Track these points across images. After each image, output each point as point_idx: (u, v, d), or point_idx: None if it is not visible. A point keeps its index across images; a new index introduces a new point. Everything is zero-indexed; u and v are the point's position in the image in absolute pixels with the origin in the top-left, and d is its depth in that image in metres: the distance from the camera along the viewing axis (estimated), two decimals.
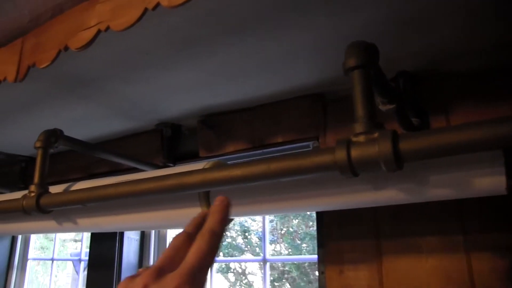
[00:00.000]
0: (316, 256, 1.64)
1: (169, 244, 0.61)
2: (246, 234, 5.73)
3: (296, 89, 1.66)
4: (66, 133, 1.58)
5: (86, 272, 2.41)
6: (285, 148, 1.77)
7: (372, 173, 1.01)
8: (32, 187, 1.47)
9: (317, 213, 1.67)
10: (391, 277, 1.43)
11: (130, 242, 2.30)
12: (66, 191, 1.56)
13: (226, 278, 5.78)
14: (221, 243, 0.62)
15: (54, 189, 1.52)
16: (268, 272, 2.10)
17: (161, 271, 0.55)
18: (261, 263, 2.12)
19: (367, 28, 1.20)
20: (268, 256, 2.11)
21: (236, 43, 1.31)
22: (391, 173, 0.89)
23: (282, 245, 5.55)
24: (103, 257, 2.29)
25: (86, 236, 3.01)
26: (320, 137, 1.65)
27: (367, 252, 1.49)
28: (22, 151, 2.62)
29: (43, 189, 1.47)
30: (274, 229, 5.54)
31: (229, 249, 5.72)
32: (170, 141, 2.02)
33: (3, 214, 1.61)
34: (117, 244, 2.25)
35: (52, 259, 3.14)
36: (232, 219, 1.34)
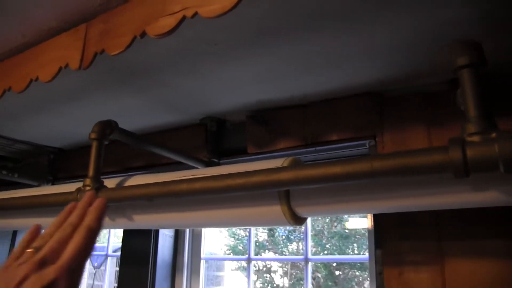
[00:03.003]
0: (363, 257, 1.59)
1: (54, 235, 0.65)
2: (272, 232, 5.68)
3: (354, 86, 1.60)
4: None
5: (117, 268, 2.35)
6: (340, 146, 1.71)
7: (484, 174, 0.96)
8: (87, 181, 1.40)
9: None
10: (454, 280, 1.37)
11: (165, 239, 2.24)
12: (120, 185, 1.50)
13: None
14: (97, 239, 0.68)
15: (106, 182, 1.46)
16: (310, 270, 2.04)
17: (43, 263, 0.60)
18: (303, 262, 2.07)
19: (444, 27, 1.15)
20: (309, 256, 2.05)
21: (302, 38, 1.26)
22: (494, 174, 0.85)
23: (301, 243, 5.50)
24: (137, 253, 2.23)
25: (113, 231, 2.93)
26: (378, 136, 1.60)
27: (428, 253, 1.43)
28: (51, 142, 2.54)
29: (98, 183, 1.40)
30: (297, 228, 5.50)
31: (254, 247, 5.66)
32: (214, 136, 1.96)
33: (50, 207, 1.53)
34: (152, 241, 2.18)
35: None
36: (306, 219, 1.28)
